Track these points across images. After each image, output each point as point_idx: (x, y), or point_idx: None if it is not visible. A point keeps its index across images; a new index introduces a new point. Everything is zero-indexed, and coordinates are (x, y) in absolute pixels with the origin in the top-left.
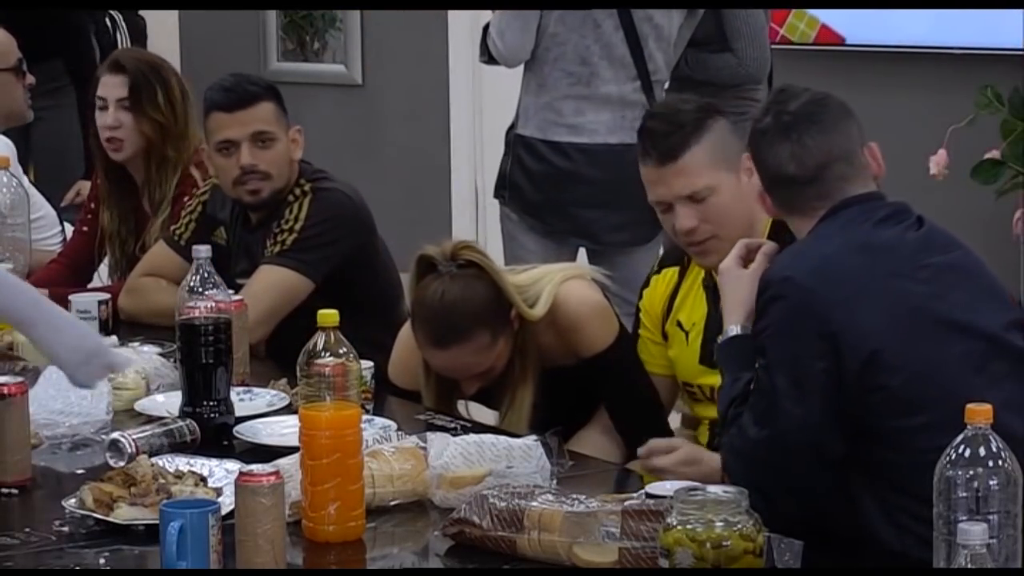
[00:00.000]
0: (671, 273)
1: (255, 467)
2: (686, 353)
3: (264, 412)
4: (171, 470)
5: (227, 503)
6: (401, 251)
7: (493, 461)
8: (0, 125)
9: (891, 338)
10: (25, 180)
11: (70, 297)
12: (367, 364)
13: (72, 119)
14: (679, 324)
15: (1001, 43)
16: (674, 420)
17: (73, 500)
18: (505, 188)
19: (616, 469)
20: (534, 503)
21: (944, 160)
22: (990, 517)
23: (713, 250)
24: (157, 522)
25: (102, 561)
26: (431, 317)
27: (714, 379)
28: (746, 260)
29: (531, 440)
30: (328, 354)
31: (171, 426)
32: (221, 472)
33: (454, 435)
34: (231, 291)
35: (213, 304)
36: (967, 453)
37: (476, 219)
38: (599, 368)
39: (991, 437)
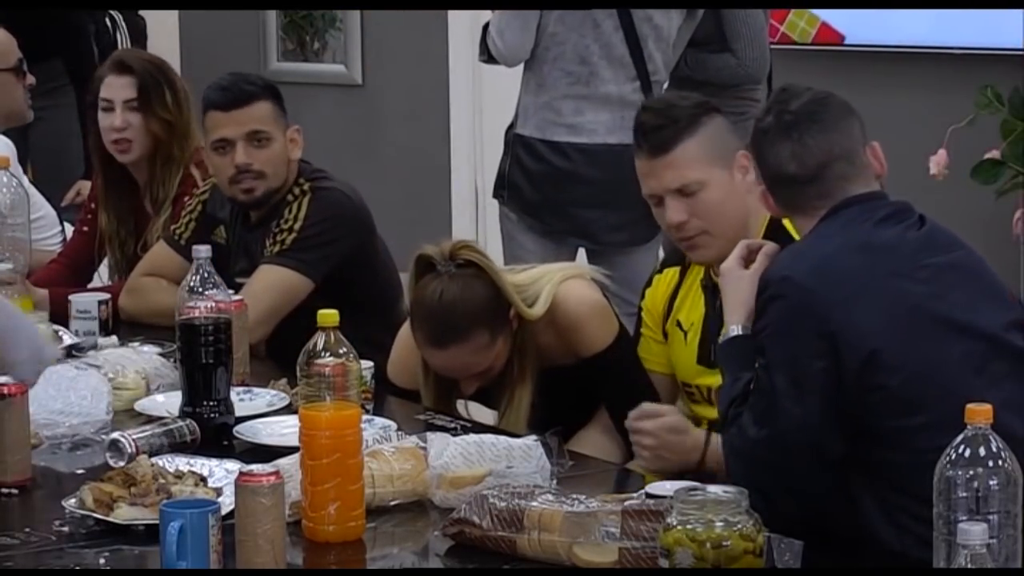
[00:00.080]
0: (672, 273)
1: (255, 467)
2: (684, 353)
3: (264, 412)
4: (171, 470)
5: (227, 503)
6: (401, 251)
7: (493, 461)
8: (0, 125)
9: (890, 338)
10: (25, 180)
11: (70, 297)
12: (367, 364)
13: (72, 119)
14: (678, 324)
15: (1001, 43)
16: None
17: (73, 500)
18: (504, 188)
19: (616, 469)
20: (534, 503)
21: (944, 160)
22: (990, 517)
23: (704, 246)
24: (157, 522)
25: (102, 561)
26: (430, 317)
27: (712, 379)
28: (747, 260)
29: (531, 440)
30: (328, 354)
31: (171, 426)
32: (221, 472)
33: (454, 435)
34: (231, 291)
35: (213, 304)
36: (967, 453)
37: (476, 219)
38: (599, 368)
39: (991, 437)
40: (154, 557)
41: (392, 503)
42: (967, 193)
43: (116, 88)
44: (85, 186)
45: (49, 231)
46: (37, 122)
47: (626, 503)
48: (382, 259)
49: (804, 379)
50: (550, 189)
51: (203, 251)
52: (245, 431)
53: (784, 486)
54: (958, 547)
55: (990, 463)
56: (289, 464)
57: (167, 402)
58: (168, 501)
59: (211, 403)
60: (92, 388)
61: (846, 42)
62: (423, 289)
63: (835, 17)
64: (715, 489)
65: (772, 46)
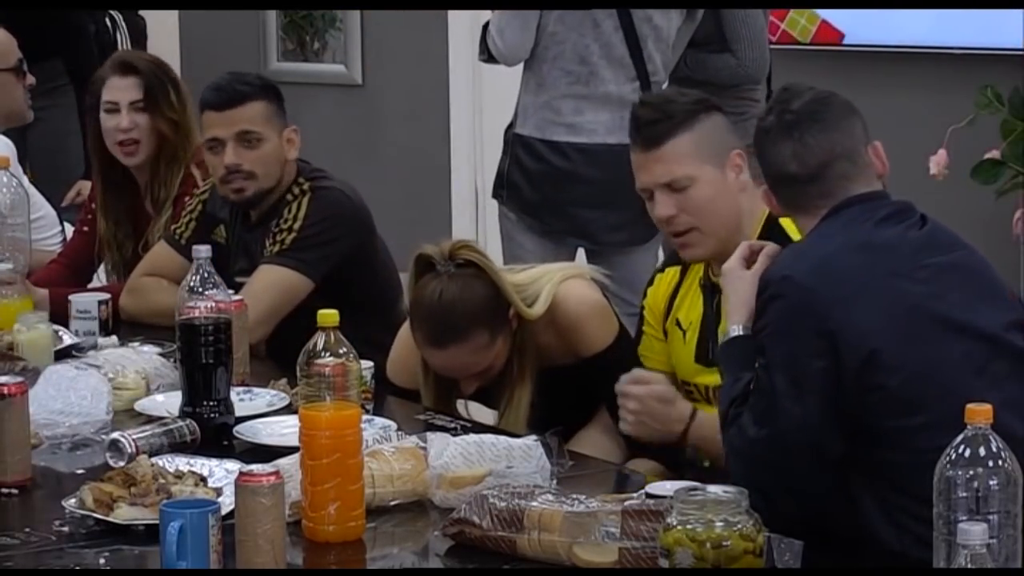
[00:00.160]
0: (673, 272)
1: (255, 467)
2: (683, 352)
3: (264, 412)
4: (171, 470)
5: (227, 503)
6: (401, 251)
7: (493, 461)
8: (0, 125)
9: (890, 337)
10: (25, 180)
11: (70, 297)
12: (367, 364)
13: (71, 119)
14: (678, 323)
15: (1001, 43)
16: None
17: (73, 500)
18: (503, 187)
19: (616, 469)
20: (534, 503)
21: (944, 160)
22: (990, 517)
23: (695, 244)
24: (157, 522)
25: (102, 561)
26: (429, 317)
27: (709, 378)
28: (749, 261)
29: (531, 440)
30: (328, 354)
31: (171, 426)
32: (221, 472)
33: (454, 435)
34: (231, 291)
35: (213, 304)
36: (967, 453)
37: (476, 219)
38: (599, 368)
39: (991, 437)
40: (154, 557)
41: (392, 503)
42: (967, 193)
43: (121, 90)
44: (85, 186)
45: (49, 231)
46: (36, 122)
47: (626, 503)
48: (382, 259)
49: (804, 379)
50: (549, 189)
51: (203, 251)
52: (245, 431)
53: (784, 486)
54: (958, 547)
55: (990, 463)
56: (289, 464)
57: (167, 402)
58: (168, 501)
59: (211, 403)
60: (92, 388)
61: (846, 40)
62: (423, 289)
63: (835, 15)
64: (715, 489)
65: (772, 46)
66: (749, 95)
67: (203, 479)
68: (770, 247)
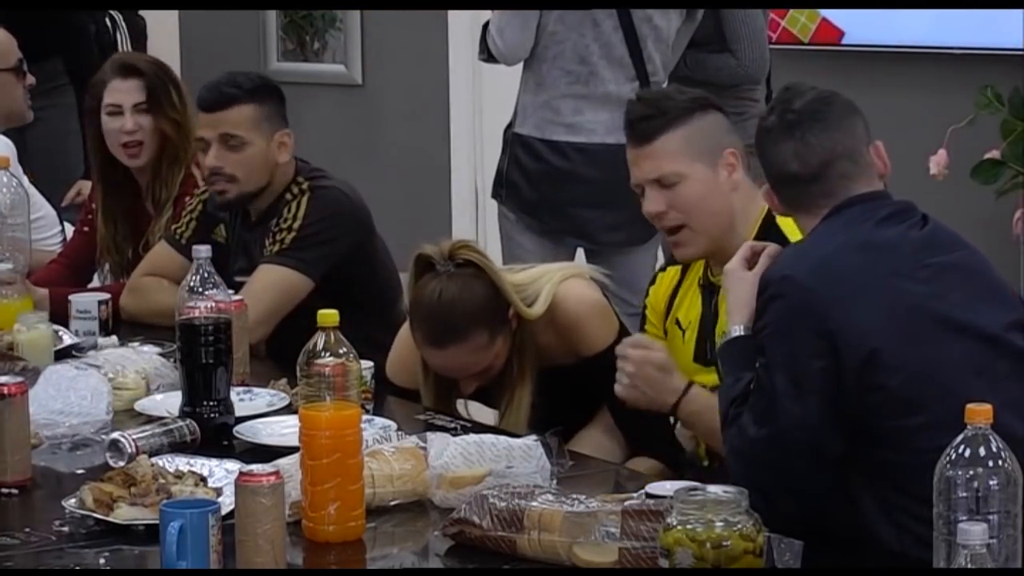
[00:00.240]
0: (674, 271)
1: (255, 467)
2: (682, 351)
3: (264, 412)
4: (171, 470)
5: (227, 503)
6: (401, 251)
7: (493, 461)
8: (0, 125)
9: (890, 337)
10: (25, 180)
11: (70, 297)
12: (367, 364)
13: (71, 118)
14: (677, 322)
15: (1001, 43)
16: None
17: (73, 500)
18: (502, 187)
19: (616, 469)
20: (534, 503)
21: (944, 160)
22: (990, 517)
23: (686, 243)
24: (157, 522)
25: (102, 561)
26: (429, 316)
27: (708, 378)
28: (751, 262)
29: (531, 440)
30: (328, 354)
31: (171, 426)
32: (221, 472)
33: (454, 435)
34: (231, 291)
35: (213, 304)
36: (967, 453)
37: (476, 219)
38: (599, 367)
39: (991, 437)
40: (154, 557)
41: (392, 503)
42: (967, 193)
43: (124, 92)
44: (85, 186)
45: (49, 231)
46: (36, 122)
47: (626, 503)
48: (381, 258)
49: (804, 378)
50: (548, 188)
51: (203, 251)
52: (245, 431)
53: (784, 486)
54: (958, 547)
55: (990, 463)
56: (289, 464)
57: (167, 402)
58: (168, 501)
59: (211, 403)
60: (92, 388)
61: (846, 38)
62: (422, 289)
63: (836, 13)
64: (715, 489)
65: (772, 45)
66: (749, 95)
67: (203, 479)
68: (771, 248)
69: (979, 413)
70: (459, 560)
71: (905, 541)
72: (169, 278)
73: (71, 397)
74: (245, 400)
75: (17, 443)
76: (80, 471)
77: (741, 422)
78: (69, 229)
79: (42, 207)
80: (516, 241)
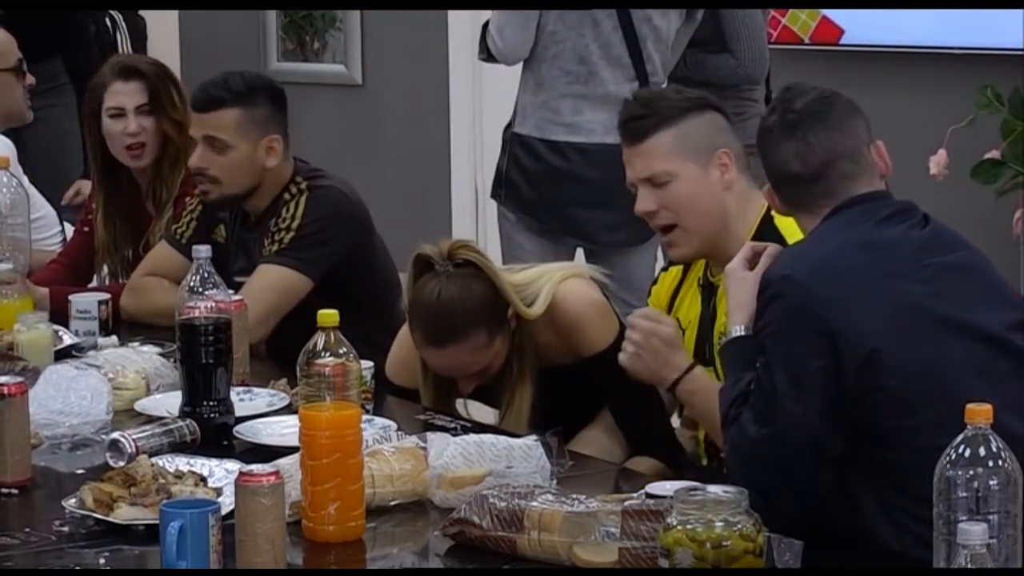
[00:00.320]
0: (676, 271)
1: (255, 467)
2: None
3: (264, 412)
4: (171, 470)
5: (227, 503)
6: (401, 251)
7: (493, 461)
8: (0, 125)
9: (890, 338)
10: (25, 180)
11: (70, 297)
12: (367, 364)
13: (71, 118)
14: (678, 322)
15: (1001, 43)
16: (674, 420)
17: (73, 500)
18: (501, 187)
19: (616, 469)
20: (534, 503)
21: (944, 160)
22: (990, 517)
23: (678, 243)
24: (157, 522)
25: (102, 561)
26: (427, 316)
27: None
28: (752, 262)
29: (531, 440)
30: (328, 354)
31: (171, 426)
32: (221, 472)
33: (454, 435)
34: (231, 291)
35: (213, 304)
36: (967, 453)
37: (476, 219)
38: (599, 367)
39: (991, 437)
40: (154, 557)
41: (392, 503)
42: (967, 193)
43: (126, 95)
44: (85, 185)
45: (49, 231)
46: (36, 122)
47: (626, 503)
48: (380, 258)
49: (804, 378)
50: (547, 188)
51: (203, 251)
52: (245, 431)
53: (784, 485)
54: (958, 547)
55: (990, 463)
56: (289, 464)
57: (167, 402)
58: (168, 501)
59: (211, 403)
60: (92, 388)
61: (846, 38)
62: (421, 289)
63: (836, 11)
64: (715, 489)
65: (772, 45)
66: (748, 95)
67: (203, 479)
68: (772, 248)
69: (979, 413)
70: (459, 560)
71: (905, 541)
72: (169, 278)
73: (71, 397)
74: (245, 400)
75: (17, 443)
76: (80, 471)
77: (741, 422)
78: (69, 229)
79: (42, 207)
80: (516, 241)
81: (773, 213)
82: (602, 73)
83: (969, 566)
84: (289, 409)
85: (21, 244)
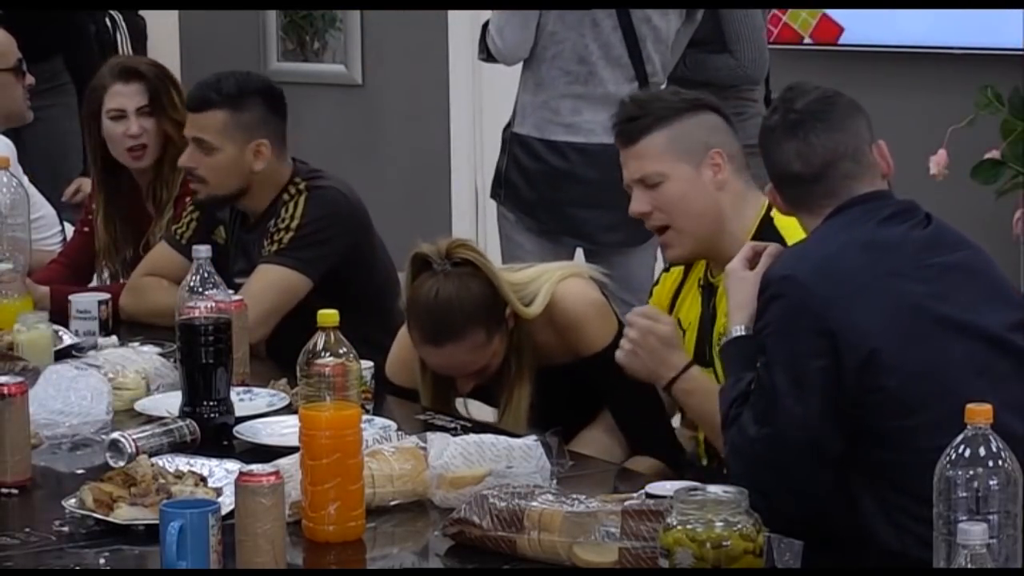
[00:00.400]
0: (677, 272)
1: (255, 467)
2: None
3: (264, 412)
4: (171, 470)
5: (227, 503)
6: (401, 251)
7: (493, 461)
8: (0, 125)
9: (890, 338)
10: (25, 180)
11: (70, 297)
12: (367, 364)
13: (72, 118)
14: (678, 323)
15: (1001, 43)
16: (674, 420)
17: (73, 500)
18: (501, 187)
19: (616, 469)
20: (534, 503)
21: (944, 160)
22: (990, 517)
23: (672, 243)
24: (157, 522)
25: (102, 561)
26: (425, 315)
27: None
28: (752, 262)
29: (531, 440)
30: (328, 354)
31: (171, 426)
32: (221, 472)
33: (454, 435)
34: (231, 291)
35: (213, 304)
36: (967, 453)
37: (476, 219)
38: (598, 367)
39: (991, 437)
40: (154, 557)
41: (392, 503)
42: (967, 193)
43: (126, 96)
44: (85, 182)
45: (49, 231)
46: (36, 122)
47: (626, 503)
48: (379, 258)
49: (804, 378)
50: (547, 188)
51: (203, 251)
52: (245, 431)
53: (784, 485)
54: (958, 547)
55: (990, 463)
56: (289, 464)
57: (167, 402)
58: (168, 501)
59: (211, 403)
60: (92, 388)
61: (846, 37)
62: (419, 287)
63: (836, 10)
64: (715, 489)
65: (772, 45)
66: (747, 95)
67: (203, 479)
68: (772, 248)
69: (979, 413)
70: (459, 560)
71: (905, 541)
72: (169, 278)
73: (71, 397)
74: (245, 400)
75: (17, 443)
76: (80, 471)
77: (741, 422)
78: (69, 229)
79: (42, 207)
80: (515, 241)
81: (773, 213)
82: (602, 73)
83: (969, 566)
84: (289, 409)
85: (21, 244)
